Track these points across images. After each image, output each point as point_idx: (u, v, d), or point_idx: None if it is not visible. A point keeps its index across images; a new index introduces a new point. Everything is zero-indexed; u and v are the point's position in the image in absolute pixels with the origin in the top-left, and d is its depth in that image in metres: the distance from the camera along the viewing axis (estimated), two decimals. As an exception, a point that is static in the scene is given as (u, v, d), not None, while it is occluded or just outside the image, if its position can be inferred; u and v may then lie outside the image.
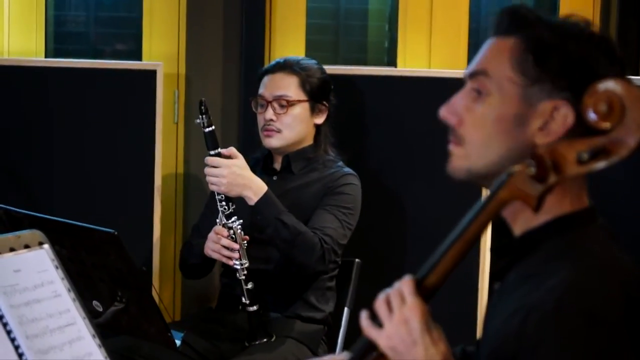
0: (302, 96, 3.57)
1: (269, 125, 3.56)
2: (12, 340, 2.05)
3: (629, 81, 1.61)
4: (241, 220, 3.40)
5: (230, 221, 3.39)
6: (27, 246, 2.20)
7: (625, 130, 1.60)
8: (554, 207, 1.74)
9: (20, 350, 2.04)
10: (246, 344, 3.44)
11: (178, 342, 3.40)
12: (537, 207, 1.66)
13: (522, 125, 1.73)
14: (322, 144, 3.64)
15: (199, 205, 3.87)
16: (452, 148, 1.82)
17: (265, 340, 3.42)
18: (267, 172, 3.66)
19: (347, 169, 3.61)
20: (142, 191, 3.98)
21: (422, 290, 1.76)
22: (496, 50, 1.77)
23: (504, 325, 1.70)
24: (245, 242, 3.41)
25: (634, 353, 1.61)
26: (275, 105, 3.56)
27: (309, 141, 3.64)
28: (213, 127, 3.37)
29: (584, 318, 1.59)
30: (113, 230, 2.81)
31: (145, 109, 3.96)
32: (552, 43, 1.72)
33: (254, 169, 3.64)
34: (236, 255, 3.37)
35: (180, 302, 4.11)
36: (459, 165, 1.81)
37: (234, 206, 3.40)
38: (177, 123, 4.19)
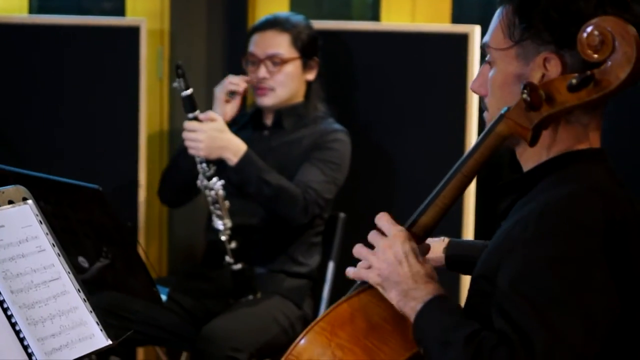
0: (294, 53, 3.57)
1: (262, 83, 3.56)
2: (-3, 295, 2.06)
3: (622, 18, 1.73)
4: (222, 181, 3.41)
5: (211, 182, 3.40)
6: (10, 202, 2.21)
7: (616, 63, 1.71)
8: (558, 145, 1.83)
9: (5, 305, 2.05)
10: (231, 301, 3.46)
11: (164, 298, 3.42)
12: (532, 140, 1.75)
13: None
14: (313, 100, 3.64)
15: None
16: (485, 116, 1.94)
17: (250, 297, 3.44)
18: (257, 127, 3.66)
19: (337, 125, 3.61)
20: (127, 147, 3.97)
21: (420, 227, 1.86)
22: (495, 21, 1.91)
23: (492, 244, 1.81)
24: (227, 202, 3.42)
25: (609, 266, 1.68)
26: (268, 63, 3.56)
27: (300, 97, 3.64)
28: (191, 90, 3.37)
29: (564, 220, 1.70)
30: (97, 186, 2.81)
31: (129, 65, 3.94)
32: (534, 1, 1.83)
33: (244, 125, 3.65)
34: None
35: (166, 259, 4.12)
36: None
37: (214, 167, 3.41)
38: (161, 79, 4.17)
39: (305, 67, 3.61)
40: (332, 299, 3.54)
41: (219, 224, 3.39)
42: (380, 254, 1.83)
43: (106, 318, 2.26)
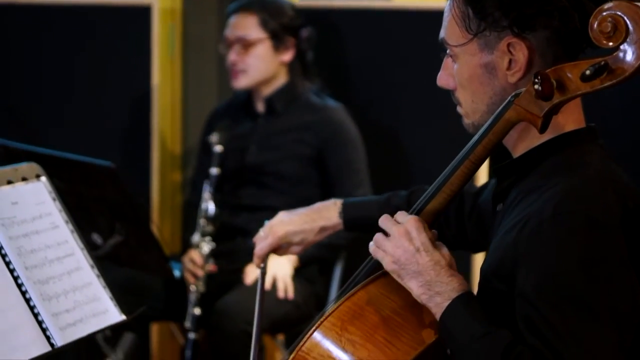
0: (261, 34, 3.56)
1: (234, 66, 3.58)
2: (12, 271, 2.08)
3: (634, 2, 1.67)
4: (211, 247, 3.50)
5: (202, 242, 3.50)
6: (24, 179, 2.23)
7: (629, 49, 1.67)
8: (553, 127, 1.78)
9: (19, 281, 2.07)
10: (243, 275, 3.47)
11: (177, 274, 3.44)
12: (542, 127, 1.72)
13: (493, 72, 1.81)
14: (295, 80, 3.63)
15: (197, 139, 3.89)
16: (458, 110, 1.90)
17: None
18: (251, 117, 3.67)
19: (331, 102, 3.61)
20: (139, 125, 3.99)
21: (427, 214, 1.82)
22: (447, 14, 1.85)
23: (502, 239, 1.76)
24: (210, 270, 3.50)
25: (629, 260, 1.66)
26: (237, 46, 3.57)
27: (282, 79, 3.63)
28: None
29: (582, 220, 1.66)
30: (110, 163, 2.84)
31: (141, 43, 3.95)
32: None
33: (235, 114, 3.66)
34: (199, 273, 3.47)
35: (180, 236, 4.13)
36: (466, 124, 1.88)
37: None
38: (173, 57, 4.18)
39: (278, 48, 3.60)
40: (345, 276, 3.55)
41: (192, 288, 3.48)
42: (396, 240, 1.77)
43: (120, 294, 2.28)
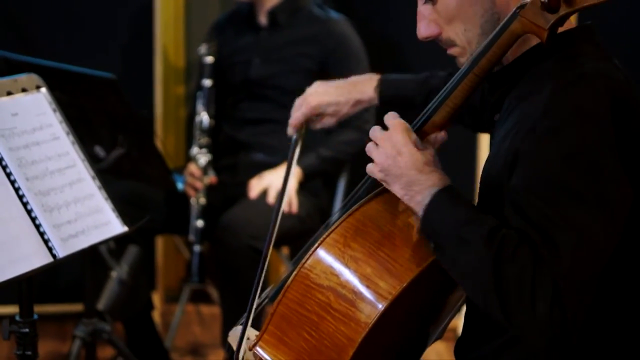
0: None
1: None
2: (12, 182, 2.07)
3: None
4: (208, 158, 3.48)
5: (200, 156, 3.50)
6: (24, 90, 2.20)
7: None
8: None
9: (20, 192, 2.06)
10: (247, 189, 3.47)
11: (180, 186, 3.44)
12: (548, 39, 1.67)
13: None
14: None
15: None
16: (451, 52, 1.84)
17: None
18: (254, 29, 3.62)
19: (335, 16, 3.56)
20: (142, 37, 3.95)
21: (431, 127, 1.79)
22: None
23: (498, 148, 1.73)
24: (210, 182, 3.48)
25: (618, 149, 1.63)
26: None
27: None
28: None
29: (573, 111, 1.63)
30: (111, 75, 2.81)
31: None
32: None
33: (238, 26, 3.61)
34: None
35: (183, 148, 4.13)
36: (464, 61, 1.82)
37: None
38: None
39: None
40: (348, 190, 3.55)
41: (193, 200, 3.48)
42: (380, 147, 1.76)
43: (122, 206, 2.28)
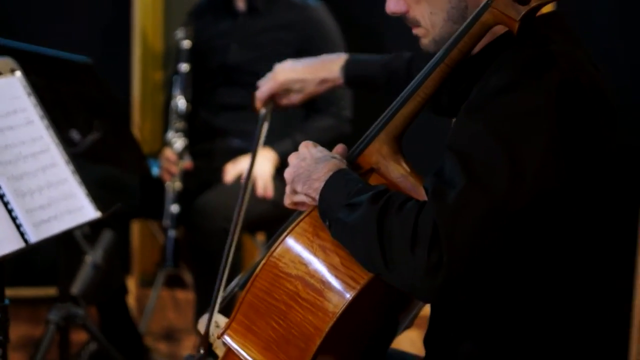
0: None
1: None
2: (-15, 166, 2.07)
3: None
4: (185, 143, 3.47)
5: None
6: (-2, 73, 2.20)
7: None
8: None
9: (-7, 176, 2.06)
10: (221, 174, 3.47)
11: (155, 171, 3.44)
12: (519, 31, 1.66)
13: None
14: None
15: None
16: (415, 32, 1.84)
17: None
18: (230, 14, 3.62)
19: (312, 3, 3.55)
20: (120, 22, 3.94)
21: (400, 117, 1.78)
22: None
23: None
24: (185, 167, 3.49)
25: (558, 133, 1.60)
26: None
27: None
28: None
29: (519, 76, 1.62)
30: (87, 58, 2.81)
31: None
32: None
33: (217, 12, 3.60)
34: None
35: (160, 133, 4.12)
36: (426, 42, 1.82)
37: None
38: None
39: None
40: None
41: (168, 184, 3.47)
42: (289, 167, 1.80)
43: (96, 191, 2.27)
